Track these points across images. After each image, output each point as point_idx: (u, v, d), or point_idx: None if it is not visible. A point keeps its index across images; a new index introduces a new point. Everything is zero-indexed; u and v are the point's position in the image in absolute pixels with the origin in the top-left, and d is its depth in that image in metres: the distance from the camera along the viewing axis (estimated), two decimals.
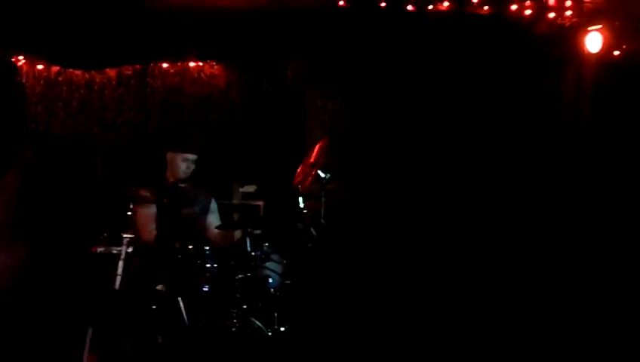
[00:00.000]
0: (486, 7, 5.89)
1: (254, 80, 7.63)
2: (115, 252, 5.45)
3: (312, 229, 5.86)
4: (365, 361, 5.45)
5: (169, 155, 5.89)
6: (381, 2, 5.79)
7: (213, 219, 5.93)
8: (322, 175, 6.03)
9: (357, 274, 5.99)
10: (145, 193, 5.66)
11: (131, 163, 7.13)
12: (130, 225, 5.44)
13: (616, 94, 6.13)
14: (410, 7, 5.84)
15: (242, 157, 7.47)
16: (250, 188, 7.18)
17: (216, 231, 5.77)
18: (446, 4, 5.83)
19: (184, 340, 4.97)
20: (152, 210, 5.63)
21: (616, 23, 5.82)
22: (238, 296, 5.29)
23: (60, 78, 7.43)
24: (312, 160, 6.47)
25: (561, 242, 6.36)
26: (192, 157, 5.85)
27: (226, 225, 5.82)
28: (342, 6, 5.80)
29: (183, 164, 5.83)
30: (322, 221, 6.13)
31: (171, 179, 5.87)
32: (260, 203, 7.03)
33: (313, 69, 7.09)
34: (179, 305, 4.87)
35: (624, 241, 6.22)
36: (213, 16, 6.03)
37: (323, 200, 6.12)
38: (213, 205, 6.03)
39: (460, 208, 6.71)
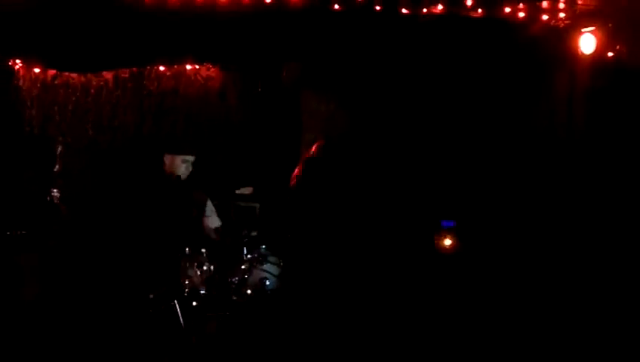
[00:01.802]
0: (480, 10, 5.90)
1: (250, 82, 7.64)
2: None
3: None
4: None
5: (167, 158, 5.93)
6: (376, 5, 5.81)
7: (212, 221, 5.96)
8: None
9: (346, 274, 6.02)
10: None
11: (128, 165, 7.13)
12: None
13: (610, 95, 6.15)
14: (404, 10, 5.85)
15: (238, 159, 7.48)
16: (247, 191, 7.20)
17: (215, 234, 5.82)
18: (440, 7, 5.85)
19: (181, 342, 5.00)
20: None
21: (610, 24, 5.84)
22: (234, 298, 5.33)
23: (57, 82, 7.43)
24: None
25: (554, 244, 6.39)
26: (190, 158, 5.91)
27: (225, 226, 5.85)
28: (337, 9, 5.81)
29: (182, 166, 5.89)
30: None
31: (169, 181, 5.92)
32: (257, 205, 7.05)
33: (308, 71, 7.12)
34: (175, 308, 4.90)
35: (618, 242, 6.25)
36: (210, 19, 6.04)
37: None
38: (210, 207, 6.06)
39: (456, 209, 6.74)
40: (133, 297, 5.13)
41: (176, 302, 4.94)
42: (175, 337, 4.93)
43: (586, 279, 6.12)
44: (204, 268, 5.34)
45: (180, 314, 4.92)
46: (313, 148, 6.54)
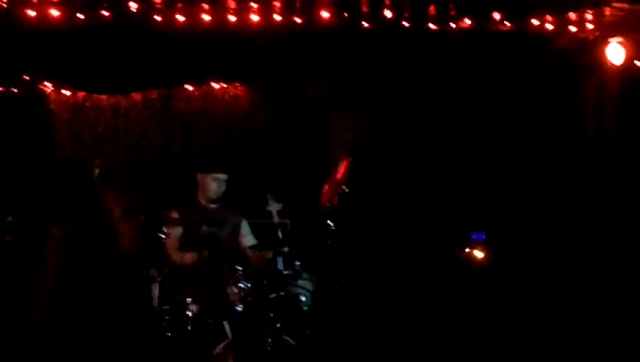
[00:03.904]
0: (507, 24, 5.96)
1: (277, 100, 7.69)
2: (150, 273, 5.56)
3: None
4: None
5: (199, 176, 5.99)
6: (404, 22, 5.87)
7: (248, 240, 6.00)
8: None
9: (380, 288, 6.06)
10: (174, 215, 5.75)
11: (159, 185, 7.19)
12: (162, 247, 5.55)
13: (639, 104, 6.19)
14: (432, 26, 5.90)
15: (267, 176, 7.52)
16: (277, 207, 7.23)
17: (251, 252, 5.86)
18: (468, 21, 5.91)
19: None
20: (179, 231, 5.72)
21: (637, 35, 5.88)
22: (271, 314, 5.36)
23: (87, 104, 7.51)
24: (338, 177, 6.54)
25: (584, 253, 6.41)
26: (222, 177, 5.96)
27: (259, 245, 5.89)
28: (365, 27, 5.88)
29: (214, 184, 5.94)
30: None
31: (203, 201, 5.97)
32: (287, 221, 7.07)
33: (336, 89, 7.17)
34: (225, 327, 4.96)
35: None
36: (237, 39, 6.11)
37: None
38: (245, 225, 6.10)
39: (484, 222, 6.77)
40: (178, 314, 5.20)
41: (225, 322, 5.00)
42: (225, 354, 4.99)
43: (617, 287, 6.13)
44: (241, 285, 5.38)
45: (229, 333, 4.97)
46: (342, 165, 6.58)
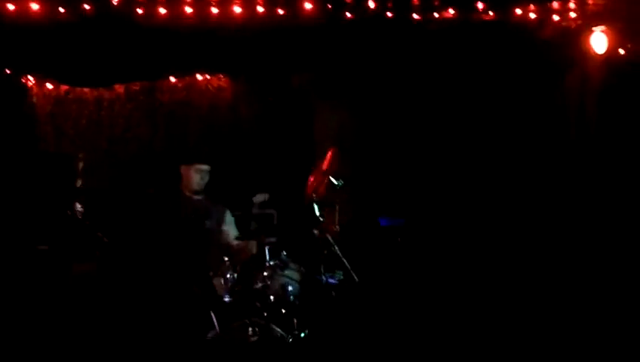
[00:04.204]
0: (491, 13, 5.99)
1: (261, 92, 7.69)
2: None
3: (328, 236, 5.95)
4: None
5: (183, 168, 5.99)
6: (387, 12, 5.89)
7: (232, 231, 6.02)
8: (335, 182, 6.12)
9: (375, 278, 6.09)
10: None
11: (143, 177, 7.18)
12: None
13: (622, 92, 6.23)
14: (416, 16, 5.92)
15: (253, 167, 7.53)
16: (263, 197, 7.24)
17: (235, 243, 5.86)
18: (451, 11, 5.94)
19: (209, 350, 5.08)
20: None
21: (620, 24, 5.92)
22: (258, 304, 5.38)
23: (70, 96, 7.48)
24: (324, 167, 6.56)
25: (567, 243, 6.46)
26: (205, 168, 5.96)
27: (243, 235, 5.90)
28: (349, 18, 5.89)
29: (197, 175, 5.94)
30: (337, 227, 6.23)
31: (186, 192, 5.97)
32: (273, 211, 7.08)
33: (320, 80, 7.18)
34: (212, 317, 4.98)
35: (628, 242, 6.32)
36: (220, 31, 6.11)
37: (337, 207, 6.23)
38: (229, 217, 6.11)
39: (467, 213, 6.81)
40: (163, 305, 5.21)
41: (212, 312, 5.01)
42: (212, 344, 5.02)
43: (589, 276, 6.18)
44: (228, 276, 5.39)
45: (216, 324, 4.99)
46: (327, 155, 6.60)
